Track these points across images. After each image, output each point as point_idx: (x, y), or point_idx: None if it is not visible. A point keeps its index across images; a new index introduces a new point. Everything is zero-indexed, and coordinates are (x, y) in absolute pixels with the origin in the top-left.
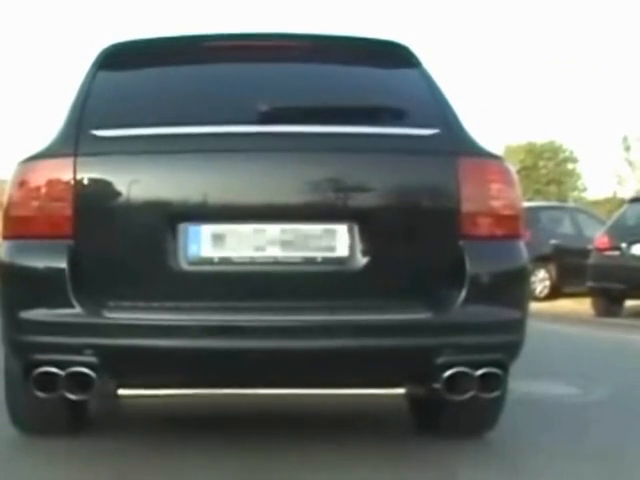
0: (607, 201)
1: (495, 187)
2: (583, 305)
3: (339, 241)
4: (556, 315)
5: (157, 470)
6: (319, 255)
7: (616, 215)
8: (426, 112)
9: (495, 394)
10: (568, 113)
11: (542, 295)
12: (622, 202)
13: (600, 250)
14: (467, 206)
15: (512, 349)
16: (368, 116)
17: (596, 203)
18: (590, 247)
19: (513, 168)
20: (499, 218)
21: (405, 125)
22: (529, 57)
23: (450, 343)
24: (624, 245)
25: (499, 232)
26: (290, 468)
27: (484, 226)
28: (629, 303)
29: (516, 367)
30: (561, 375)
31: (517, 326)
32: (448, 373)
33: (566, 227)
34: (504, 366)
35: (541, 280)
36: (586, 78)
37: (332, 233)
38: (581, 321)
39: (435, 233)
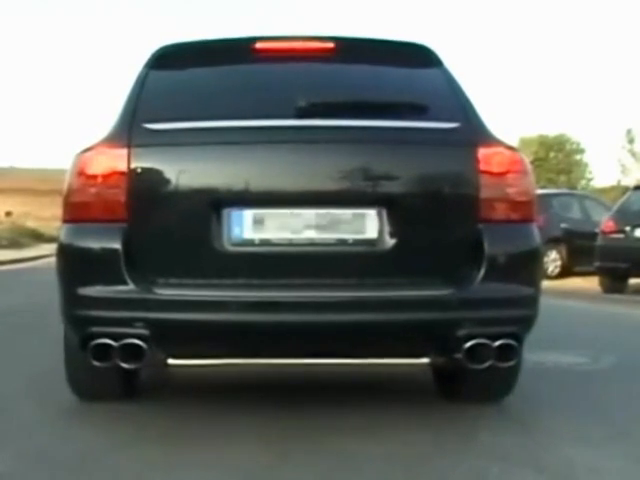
0: (612, 189)
1: (511, 176)
2: (591, 283)
3: (369, 224)
4: (566, 292)
5: (202, 431)
6: (351, 237)
7: (621, 201)
8: (448, 107)
9: (511, 363)
10: (576, 108)
11: (554, 274)
12: (626, 189)
13: (606, 233)
14: (485, 193)
15: (527, 322)
16: (395, 111)
17: (602, 190)
18: (597, 230)
19: (527, 158)
20: (514, 204)
21: (428, 119)
22: (542, 57)
23: (470, 317)
24: (628, 228)
25: (515, 216)
26: (319, 429)
27: (501, 211)
28: (632, 281)
29: (530, 339)
30: (571, 346)
31: (531, 302)
32: (468, 344)
33: (575, 212)
34: (519, 338)
35: (553, 260)
36: (593, 74)
37: (362, 217)
38: (589, 297)
39: (456, 217)
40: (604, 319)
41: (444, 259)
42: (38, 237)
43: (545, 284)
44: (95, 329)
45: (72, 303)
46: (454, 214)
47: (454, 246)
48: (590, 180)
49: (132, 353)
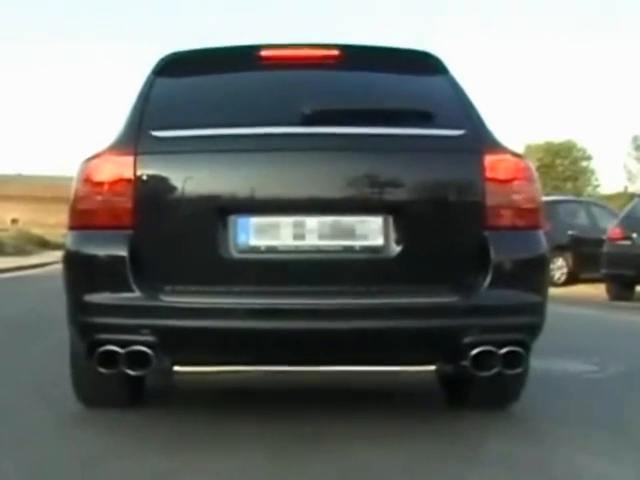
0: (618, 195)
1: (517, 183)
2: (598, 290)
3: (375, 231)
4: (573, 299)
5: (208, 438)
6: (357, 244)
7: (627, 208)
8: (454, 115)
9: (518, 370)
10: (583, 114)
11: (560, 281)
12: (632, 196)
13: (613, 240)
14: (491, 200)
15: (533, 330)
16: (401, 118)
17: (609, 197)
18: (604, 237)
19: (533, 165)
20: (521, 211)
21: (435, 126)
22: (549, 63)
23: (476, 324)
24: (635, 235)
25: (521, 223)
26: (325, 437)
27: (507, 218)
28: (639, 288)
29: (537, 346)
30: (578, 353)
31: (538, 309)
32: (475, 351)
33: (582, 219)
34: (526, 345)
35: (559, 267)
36: (600, 81)
37: (369, 224)
38: (596, 305)
39: (462, 224)
40: (611, 326)
41: (450, 266)
42: (44, 244)
43: (551, 291)
44: (101, 336)
45: (78, 310)
46: (460, 221)
47: (460, 253)
48: (596, 187)
49: (138, 360)
